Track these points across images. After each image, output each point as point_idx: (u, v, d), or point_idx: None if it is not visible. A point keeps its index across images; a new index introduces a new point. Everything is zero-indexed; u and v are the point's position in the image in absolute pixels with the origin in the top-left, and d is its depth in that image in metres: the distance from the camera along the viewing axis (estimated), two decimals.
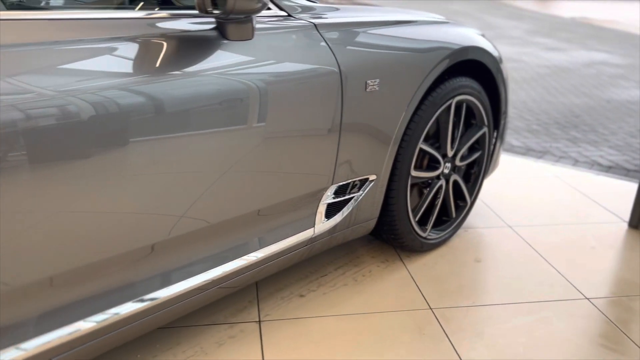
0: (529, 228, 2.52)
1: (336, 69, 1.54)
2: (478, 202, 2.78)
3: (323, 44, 1.54)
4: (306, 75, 1.47)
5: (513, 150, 3.81)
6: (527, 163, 3.46)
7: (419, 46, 1.84)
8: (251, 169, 1.42)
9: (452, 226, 2.32)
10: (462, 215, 2.37)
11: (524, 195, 2.90)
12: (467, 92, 2.11)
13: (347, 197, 1.78)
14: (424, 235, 2.16)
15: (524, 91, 5.87)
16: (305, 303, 1.87)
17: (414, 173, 1.98)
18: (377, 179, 1.83)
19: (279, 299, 1.89)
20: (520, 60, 7.92)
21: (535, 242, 2.39)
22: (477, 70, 2.20)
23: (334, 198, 1.74)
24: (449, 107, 2.04)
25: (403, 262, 2.16)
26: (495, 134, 2.42)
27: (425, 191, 2.14)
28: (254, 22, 1.34)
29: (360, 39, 1.66)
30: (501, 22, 12.81)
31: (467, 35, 2.13)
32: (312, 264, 2.11)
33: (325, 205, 1.72)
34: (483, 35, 2.33)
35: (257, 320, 1.77)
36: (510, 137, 4.11)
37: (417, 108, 1.91)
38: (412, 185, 2.11)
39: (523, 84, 6.23)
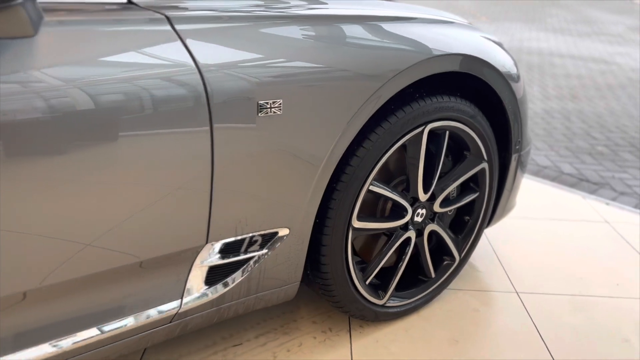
0: (543, 299, 1.89)
1: (199, 84, 1.05)
2: (484, 251, 2.17)
3: (178, 46, 1.05)
4: (146, 93, 0.99)
5: (560, 179, 3.10)
6: (573, 199, 2.76)
7: (360, 51, 1.30)
8: (48, 224, 0.97)
9: (429, 289, 1.76)
10: (447, 275, 1.79)
11: (551, 248, 2.25)
12: (450, 116, 1.53)
13: (242, 257, 1.28)
14: (379, 302, 1.61)
15: (604, 101, 5.00)
16: None
17: (357, 224, 1.45)
18: (290, 233, 1.32)
19: None
20: (612, 62, 6.90)
21: (547, 322, 1.77)
22: (482, 89, 1.61)
23: (221, 259, 1.25)
24: (419, 135, 1.48)
25: (350, 335, 1.63)
26: (512, 166, 1.80)
27: (385, 245, 1.59)
28: (31, 9, 0.87)
29: (249, 39, 1.15)
30: (603, 16, 11.48)
31: (464, 40, 1.55)
32: (230, 324, 1.64)
33: (204, 269, 1.24)
34: (499, 45, 1.73)
35: None
36: (562, 161, 3.38)
37: (362, 137, 1.37)
38: (373, 237, 1.58)
39: (606, 92, 5.33)
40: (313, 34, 1.25)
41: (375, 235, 1.64)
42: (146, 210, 1.07)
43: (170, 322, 1.23)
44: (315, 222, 1.39)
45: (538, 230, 2.38)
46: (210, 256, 1.23)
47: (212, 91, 1.06)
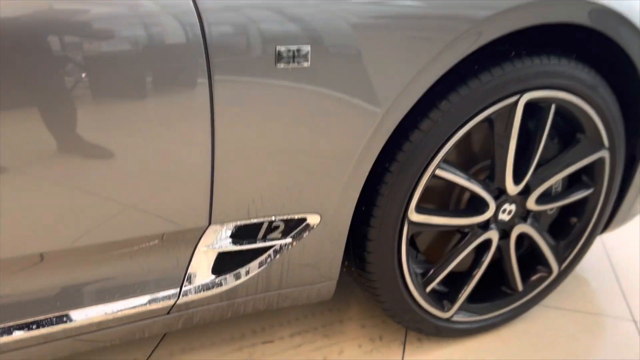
0: None
1: (195, 24, 0.79)
2: (598, 261, 1.73)
3: None
4: (127, 34, 0.76)
5: None
6: None
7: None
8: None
9: (513, 305, 1.40)
10: (539, 290, 1.41)
11: None
12: (559, 84, 1.14)
13: (259, 245, 1.03)
14: (443, 315, 1.29)
15: None
16: None
17: (416, 217, 1.13)
18: (322, 221, 1.04)
19: None
20: None
21: None
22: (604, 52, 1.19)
23: (233, 244, 1.01)
24: (511, 107, 1.11)
25: (403, 350, 1.34)
26: None
27: (456, 247, 1.25)
28: None
29: None
30: None
31: None
32: (264, 316, 1.42)
33: (211, 255, 1.01)
34: None
35: None
36: None
37: (429, 104, 1.04)
38: (444, 233, 1.26)
39: None
40: None
41: (447, 231, 1.31)
42: (131, 178, 0.85)
43: (168, 313, 1.02)
44: (360, 210, 1.10)
45: None
46: (218, 241, 1.00)
47: (211, 33, 0.80)
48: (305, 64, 0.87)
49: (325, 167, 0.98)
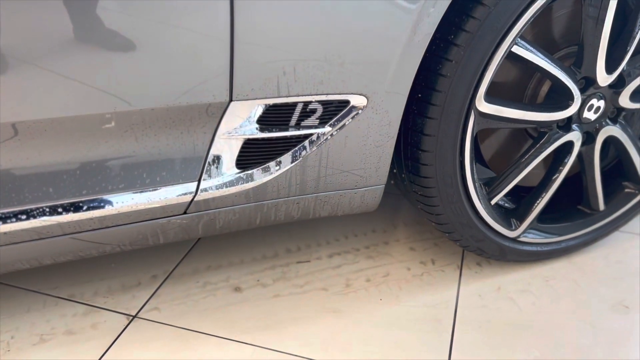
0: None
1: None
2: None
3: None
4: None
5: None
6: None
7: None
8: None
9: (592, 227, 1.19)
10: (624, 210, 1.19)
11: None
12: None
13: (292, 133, 0.85)
14: (510, 234, 1.09)
15: None
16: (229, 305, 1.05)
17: (485, 107, 0.92)
18: (369, 105, 0.85)
19: (199, 284, 1.11)
20: None
21: None
22: None
23: (260, 131, 0.83)
24: None
25: (460, 274, 1.15)
26: None
27: (529, 150, 1.04)
28: None
29: None
30: None
31: None
32: (301, 235, 1.26)
33: (234, 143, 0.83)
34: None
35: (132, 314, 1.03)
36: None
37: None
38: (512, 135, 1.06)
39: None
40: None
41: (515, 133, 1.09)
42: (137, 41, 0.68)
43: (185, 212, 0.86)
44: (416, 97, 0.90)
45: None
46: (244, 125, 0.82)
47: None
48: None
49: (373, 33, 0.77)
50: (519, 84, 1.03)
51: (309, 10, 0.73)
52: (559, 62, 0.95)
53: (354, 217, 1.29)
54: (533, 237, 1.13)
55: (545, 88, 1.02)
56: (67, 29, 0.66)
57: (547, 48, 1.00)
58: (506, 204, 1.12)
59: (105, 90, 0.70)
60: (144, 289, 1.09)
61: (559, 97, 0.99)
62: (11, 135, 0.70)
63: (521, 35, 0.89)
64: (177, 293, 1.08)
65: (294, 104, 0.82)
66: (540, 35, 1.00)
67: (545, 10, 0.91)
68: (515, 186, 1.07)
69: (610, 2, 0.91)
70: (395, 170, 1.04)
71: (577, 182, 1.16)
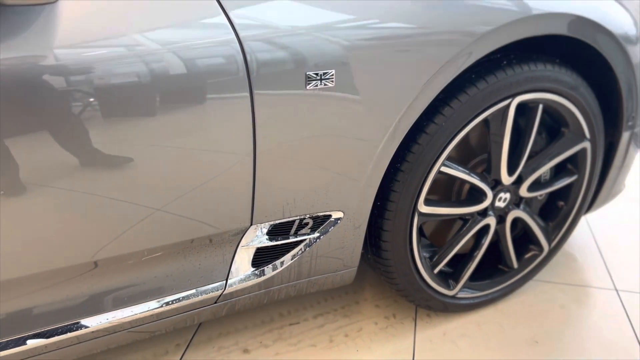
0: None
1: (238, 53, 0.94)
2: (583, 237, 1.91)
3: (214, 8, 0.94)
4: (177, 64, 0.90)
5: None
6: None
7: (426, 11, 1.10)
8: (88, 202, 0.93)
9: (510, 281, 1.57)
10: (532, 266, 1.59)
11: None
12: (545, 87, 1.30)
13: (291, 240, 1.19)
14: (449, 292, 1.46)
15: None
16: None
17: (425, 209, 1.29)
18: (345, 216, 1.20)
19: (215, 349, 1.41)
20: None
21: None
22: (587, 53, 1.35)
23: (269, 240, 1.17)
24: (504, 110, 1.27)
25: (415, 325, 1.51)
26: (622, 145, 1.53)
27: (459, 232, 1.42)
28: None
29: (296, 1, 1.01)
30: None
31: None
32: (290, 301, 1.58)
33: (251, 251, 1.17)
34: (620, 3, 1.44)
35: None
36: None
37: (434, 111, 1.20)
38: (448, 220, 1.42)
39: None
40: None
41: (450, 218, 1.47)
42: (186, 190, 1.00)
43: (215, 302, 1.18)
44: (376, 205, 1.26)
45: None
46: (257, 238, 1.15)
47: (252, 62, 0.95)
48: (331, 85, 1.02)
49: (347, 170, 1.13)
50: (449, 185, 1.41)
51: (306, 166, 1.08)
52: (474, 172, 1.34)
53: None
54: (467, 293, 1.50)
55: (467, 186, 1.41)
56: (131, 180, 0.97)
57: (466, 156, 1.39)
58: (446, 270, 1.49)
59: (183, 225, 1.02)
60: (172, 356, 1.38)
61: (476, 194, 1.38)
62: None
63: (447, 157, 1.27)
64: (200, 357, 1.38)
65: (293, 221, 1.17)
66: (461, 149, 1.39)
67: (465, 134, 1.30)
68: (455, 255, 1.45)
69: (506, 130, 1.30)
70: (363, 251, 1.40)
71: (498, 247, 1.55)
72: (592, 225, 2.00)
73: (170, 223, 1.03)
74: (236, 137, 0.99)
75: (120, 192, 0.96)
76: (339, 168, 1.12)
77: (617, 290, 1.65)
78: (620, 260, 1.80)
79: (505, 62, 1.24)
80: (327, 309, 1.56)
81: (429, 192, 1.34)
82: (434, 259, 1.42)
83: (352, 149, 1.11)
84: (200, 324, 1.49)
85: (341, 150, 1.10)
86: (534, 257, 1.58)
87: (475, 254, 1.46)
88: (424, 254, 1.42)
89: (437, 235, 1.50)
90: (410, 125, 1.15)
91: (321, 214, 1.18)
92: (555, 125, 1.44)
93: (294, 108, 1.01)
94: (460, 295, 1.49)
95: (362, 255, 1.40)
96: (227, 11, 0.94)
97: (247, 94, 0.96)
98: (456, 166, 1.30)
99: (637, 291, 1.65)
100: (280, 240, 1.18)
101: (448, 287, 1.46)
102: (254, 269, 1.19)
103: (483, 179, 1.36)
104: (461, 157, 1.39)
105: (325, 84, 1.02)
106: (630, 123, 1.50)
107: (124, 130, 0.90)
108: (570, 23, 1.24)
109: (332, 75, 1.02)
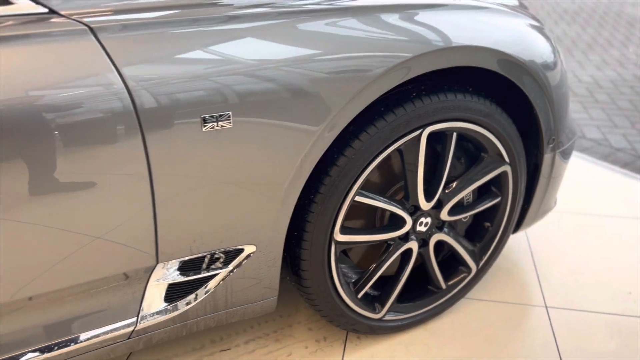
0: (577, 317, 1.66)
1: (126, 98, 0.95)
2: (520, 253, 1.94)
3: (103, 58, 0.95)
4: (68, 108, 0.92)
5: (635, 165, 2.71)
6: (621, 179, 2.41)
7: (341, 43, 1.13)
8: None
9: (439, 302, 1.60)
10: (461, 286, 1.62)
11: (605, 253, 1.97)
12: (457, 117, 1.33)
13: (204, 275, 1.21)
14: (375, 316, 1.49)
15: None
16: None
17: (341, 237, 1.31)
18: (258, 250, 1.22)
19: None
20: None
21: (574, 346, 1.55)
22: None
23: (181, 276, 1.18)
24: (416, 140, 1.30)
25: (344, 348, 1.53)
26: (545, 166, 1.57)
27: (384, 256, 1.45)
28: None
29: (187, 45, 1.02)
30: None
31: (487, 30, 1.33)
32: (222, 328, 1.59)
33: (162, 287, 1.18)
34: (539, 30, 1.48)
35: None
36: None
37: (343, 144, 1.22)
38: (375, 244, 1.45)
39: None
40: (267, 30, 1.09)
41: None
42: (88, 231, 1.01)
43: (129, 338, 1.19)
44: (293, 235, 1.28)
45: (596, 230, 2.09)
46: (168, 274, 1.16)
47: (142, 106, 0.96)
48: (229, 126, 1.04)
49: (255, 208, 1.15)
50: (371, 211, 1.43)
51: (210, 205, 1.10)
52: (394, 199, 1.37)
53: None
54: (394, 316, 1.53)
55: (388, 213, 1.43)
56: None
57: (387, 182, 1.42)
58: (372, 293, 1.51)
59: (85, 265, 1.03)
60: None
61: (396, 220, 1.40)
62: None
63: (362, 187, 1.30)
64: None
65: (204, 257, 1.18)
66: (381, 175, 1.41)
67: (379, 163, 1.32)
68: (383, 277, 1.47)
69: (419, 159, 1.33)
70: (287, 278, 1.41)
71: (425, 269, 1.58)
72: (531, 239, 2.03)
73: (75, 264, 1.04)
74: (133, 181, 1.00)
75: (25, 237, 0.96)
76: (245, 206, 1.14)
77: (546, 307, 1.69)
78: (555, 275, 1.84)
79: (414, 94, 1.27)
80: (259, 334, 1.57)
81: (351, 218, 1.37)
82: (358, 283, 1.44)
83: (258, 187, 1.13)
84: (130, 353, 1.50)
85: (246, 189, 1.12)
86: (462, 277, 1.61)
87: (400, 277, 1.48)
88: (351, 278, 1.45)
89: (367, 258, 1.52)
90: (316, 161, 1.17)
91: (232, 248, 1.20)
92: (475, 150, 1.47)
93: (191, 150, 1.03)
94: (388, 317, 1.52)
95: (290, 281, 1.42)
96: (114, 61, 0.95)
97: (140, 139, 0.97)
98: (372, 195, 1.32)
99: (567, 307, 1.69)
100: (192, 275, 1.19)
101: (374, 310, 1.48)
102: (167, 304, 1.20)
103: (401, 205, 1.38)
104: (382, 184, 1.42)
105: (222, 125, 1.03)
106: (551, 145, 1.53)
107: (28, 177, 0.91)
108: (475, 55, 1.27)
109: (229, 116, 1.03)
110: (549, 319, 1.64)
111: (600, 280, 1.81)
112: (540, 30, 1.51)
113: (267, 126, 1.08)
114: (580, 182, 2.42)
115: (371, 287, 1.48)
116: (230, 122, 1.04)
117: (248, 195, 1.13)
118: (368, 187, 1.37)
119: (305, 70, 1.09)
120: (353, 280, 1.45)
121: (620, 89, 3.77)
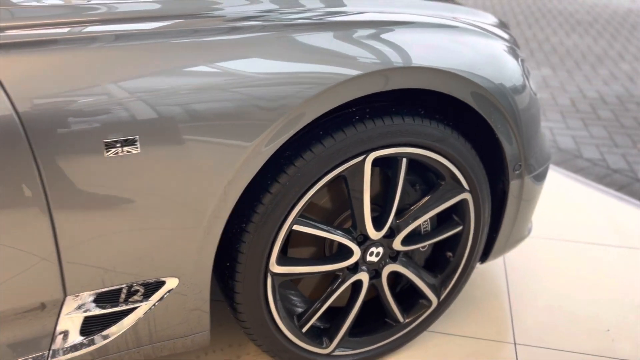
0: (547, 355, 1.54)
1: (15, 123, 0.88)
2: (494, 282, 1.83)
3: None
4: None
5: (631, 188, 2.56)
6: (615, 204, 2.27)
7: (268, 64, 1.04)
8: None
9: (397, 335, 1.50)
10: (422, 320, 1.51)
11: (587, 285, 1.85)
12: (405, 142, 1.23)
13: (122, 308, 1.13)
14: (323, 351, 1.39)
15: None
16: None
17: (278, 269, 1.22)
18: (181, 282, 1.14)
19: None
20: None
21: None
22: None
23: (98, 308, 1.10)
24: (359, 166, 1.21)
25: None
26: (512, 194, 1.46)
27: (331, 288, 1.35)
28: None
29: (86, 64, 0.95)
30: None
31: (448, 52, 1.24)
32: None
33: (77, 319, 1.10)
34: (510, 50, 1.39)
35: None
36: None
37: (276, 170, 1.13)
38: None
39: None
40: (179, 51, 1.01)
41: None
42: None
43: None
44: (226, 266, 1.20)
45: (581, 259, 1.96)
46: (82, 307, 1.09)
47: (33, 130, 0.89)
48: (135, 151, 0.96)
49: (173, 238, 1.07)
50: (320, 239, 1.34)
51: (119, 235, 1.02)
52: (336, 228, 1.27)
53: (215, 333, 1.55)
54: (345, 351, 1.43)
55: (334, 245, 1.34)
56: None
57: (335, 212, 1.32)
58: (320, 325, 1.42)
59: None
60: None
61: (342, 250, 1.31)
62: None
63: (302, 215, 1.20)
64: None
65: (120, 289, 1.10)
66: (330, 200, 1.32)
67: (323, 189, 1.23)
68: (333, 309, 1.38)
69: (364, 186, 1.23)
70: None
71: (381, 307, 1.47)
72: (509, 267, 1.91)
73: None
74: (28, 211, 0.93)
75: None
76: (161, 236, 1.06)
77: (515, 344, 1.57)
78: (529, 308, 1.72)
79: (357, 118, 1.18)
80: None
81: (299, 246, 1.28)
82: (303, 317, 1.35)
83: (174, 215, 1.05)
84: None
85: (161, 218, 1.04)
86: (423, 310, 1.50)
87: (350, 309, 1.38)
88: (297, 310, 1.35)
89: (320, 289, 1.43)
90: (242, 187, 1.09)
91: (152, 280, 1.11)
92: (431, 176, 1.37)
93: (93, 177, 0.95)
94: (338, 353, 1.42)
95: None
96: (3, 84, 0.88)
97: (33, 165, 0.90)
98: (313, 223, 1.23)
99: (537, 345, 1.57)
100: (110, 308, 1.11)
101: (321, 345, 1.38)
102: (83, 337, 1.12)
103: (348, 233, 1.29)
104: (331, 210, 1.32)
105: (128, 151, 0.95)
106: (517, 172, 1.42)
107: None
108: (427, 78, 1.19)
109: (136, 141, 0.95)
110: (516, 356, 1.52)
111: (578, 316, 1.68)
112: (511, 51, 1.41)
113: (182, 151, 1.00)
114: (570, 206, 2.30)
115: (320, 319, 1.38)
116: (137, 147, 0.96)
117: (164, 225, 1.05)
118: (314, 214, 1.28)
119: (227, 90, 1.01)
120: (299, 313, 1.36)
121: (626, 105, 3.62)
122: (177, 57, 0.99)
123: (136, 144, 0.96)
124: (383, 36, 1.18)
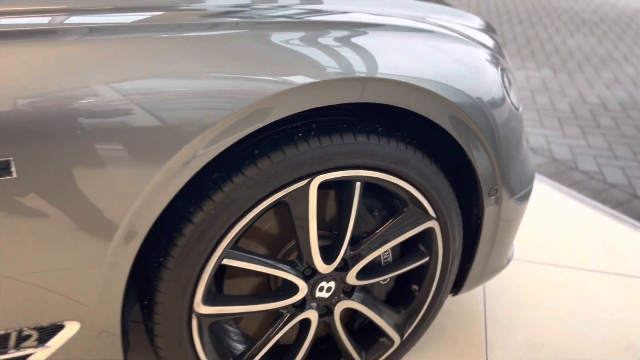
0: None
1: None
2: (471, 308, 1.65)
3: None
4: None
5: (630, 205, 2.37)
6: (610, 224, 2.08)
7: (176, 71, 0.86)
8: None
9: None
10: (384, 358, 1.34)
11: (577, 317, 1.67)
12: (357, 164, 1.05)
13: (13, 354, 0.95)
14: None
15: None
16: None
17: (205, 309, 1.05)
18: (84, 326, 0.96)
19: None
20: None
21: None
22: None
23: None
24: (303, 191, 1.03)
25: None
26: (488, 221, 1.29)
27: (276, 326, 1.18)
28: None
29: None
30: None
31: (417, 60, 1.06)
32: None
33: None
34: (491, 61, 1.21)
35: None
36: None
37: (200, 197, 0.96)
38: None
39: None
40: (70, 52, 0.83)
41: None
42: None
43: None
44: (144, 305, 1.03)
45: (567, 287, 1.78)
46: None
47: None
48: (9, 176, 0.78)
49: (65, 279, 0.89)
50: (260, 275, 1.17)
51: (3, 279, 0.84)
52: (278, 262, 1.10)
53: None
54: None
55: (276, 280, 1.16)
56: None
57: (277, 242, 1.15)
58: None
59: None
60: None
61: (286, 285, 1.13)
62: None
63: (234, 247, 1.03)
64: None
65: (8, 334, 0.93)
66: (274, 229, 1.14)
67: (266, 214, 1.06)
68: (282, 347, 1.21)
69: (310, 213, 1.06)
70: None
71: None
72: (488, 296, 1.73)
73: None
74: None
75: None
76: (50, 277, 0.88)
77: None
78: (506, 344, 1.54)
79: (299, 135, 1.00)
80: None
81: (235, 278, 1.11)
82: (243, 358, 1.17)
83: (65, 252, 0.87)
84: None
85: (48, 253, 0.86)
86: (384, 349, 1.32)
87: (297, 350, 1.21)
88: (235, 350, 1.18)
89: (261, 329, 1.26)
90: (153, 220, 0.91)
91: (47, 324, 0.94)
92: (393, 202, 1.19)
93: None
94: None
95: None
96: None
97: None
98: (247, 256, 1.06)
99: None
100: (5, 354, 0.94)
101: None
102: None
103: (292, 266, 1.11)
104: (273, 241, 1.15)
105: (1, 175, 0.78)
106: (493, 197, 1.24)
107: None
108: (378, 91, 1.00)
109: (10, 163, 0.78)
110: None
111: (562, 356, 1.50)
112: (491, 60, 1.23)
113: (71, 176, 0.82)
114: (560, 225, 2.11)
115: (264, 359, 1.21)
116: (11, 172, 0.78)
117: (52, 264, 0.87)
118: (255, 243, 1.11)
119: (128, 102, 0.83)
120: (237, 354, 1.18)
121: (628, 112, 3.42)
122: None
123: (9, 169, 0.78)
124: (345, 40, 1.00)
